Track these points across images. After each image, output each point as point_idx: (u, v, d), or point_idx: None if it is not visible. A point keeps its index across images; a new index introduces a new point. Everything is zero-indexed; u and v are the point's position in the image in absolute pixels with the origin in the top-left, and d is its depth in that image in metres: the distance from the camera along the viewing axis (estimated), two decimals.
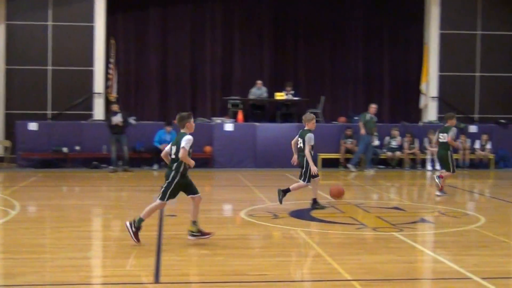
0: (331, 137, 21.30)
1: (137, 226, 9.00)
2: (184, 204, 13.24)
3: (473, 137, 21.77)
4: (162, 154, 9.42)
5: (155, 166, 20.11)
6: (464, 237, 10.10)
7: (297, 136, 12.45)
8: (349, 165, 20.53)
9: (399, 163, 21.28)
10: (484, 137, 21.62)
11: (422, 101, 23.57)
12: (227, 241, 9.44)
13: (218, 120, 21.45)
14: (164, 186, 9.10)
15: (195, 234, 9.18)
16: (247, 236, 10.11)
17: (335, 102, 23.59)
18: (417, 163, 21.17)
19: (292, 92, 22.21)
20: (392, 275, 7.65)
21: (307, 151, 11.99)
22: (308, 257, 8.56)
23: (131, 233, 8.98)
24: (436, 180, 14.67)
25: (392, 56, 23.93)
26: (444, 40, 23.24)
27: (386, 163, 21.32)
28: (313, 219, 11.48)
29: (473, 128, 22.04)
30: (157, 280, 7.37)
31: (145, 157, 20.48)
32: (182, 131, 9.37)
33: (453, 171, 14.67)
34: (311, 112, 13.20)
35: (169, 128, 20.10)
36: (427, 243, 9.88)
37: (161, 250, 8.75)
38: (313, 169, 11.86)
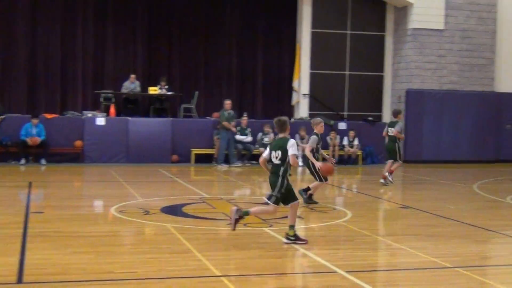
0: (205, 132, 21.34)
1: (240, 215, 9.07)
2: (52, 201, 12.88)
3: (342, 133, 22.45)
4: (261, 161, 9.46)
5: (22, 161, 19.36)
6: (331, 232, 10.40)
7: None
8: (216, 164, 20.56)
9: None
10: (352, 133, 22.35)
11: (294, 98, 24.05)
12: (96, 239, 9.24)
13: (89, 114, 20.93)
14: (274, 192, 9.10)
15: (291, 238, 9.12)
16: (117, 233, 9.94)
17: (209, 97, 23.61)
18: None
19: (166, 87, 22.03)
20: (260, 270, 7.74)
21: (307, 152, 12.32)
22: (178, 253, 8.51)
23: (233, 219, 9.04)
24: (389, 178, 16.28)
25: (266, 53, 24.24)
26: (316, 39, 23.80)
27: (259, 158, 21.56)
28: (185, 215, 11.45)
29: (342, 125, 22.73)
30: (20, 280, 7.10)
31: (12, 151, 19.67)
32: (282, 135, 9.26)
33: (400, 161, 16.39)
34: (318, 116, 13.71)
35: (35, 121, 19.44)
36: None
37: (25, 249, 8.43)
38: (317, 165, 12.07)
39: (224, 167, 20.19)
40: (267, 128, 21.55)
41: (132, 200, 13.00)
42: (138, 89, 22.11)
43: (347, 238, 9.93)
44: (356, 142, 22.34)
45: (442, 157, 22.87)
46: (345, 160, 22.19)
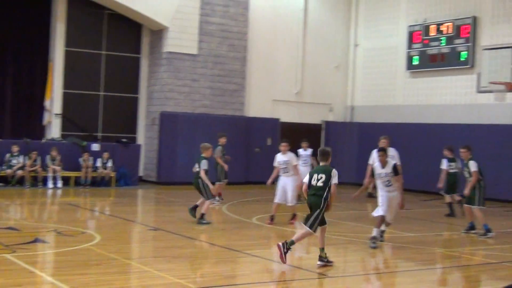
0: None
1: (288, 248, 9.62)
2: None
3: (96, 155, 22.06)
4: (304, 189, 10.09)
5: None
6: (77, 256, 10.11)
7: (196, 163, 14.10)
8: None
9: (20, 181, 20.59)
10: (106, 155, 22.07)
11: (46, 118, 23.19)
12: None
13: None
14: (314, 215, 9.70)
15: (324, 259, 9.81)
16: None
17: None
18: (39, 181, 20.74)
19: None
20: None
21: (202, 174, 13.85)
22: None
23: (282, 253, 9.58)
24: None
25: (16, 70, 23.13)
26: (69, 58, 23.21)
27: (6, 180, 20.48)
28: None
29: (95, 146, 22.35)
30: None
31: None
32: (323, 163, 10.16)
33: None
34: None
35: None
36: (39, 264, 9.66)
37: None
38: (211, 187, 13.99)
39: None
40: (15, 148, 20.52)
41: None
42: None
43: (94, 263, 9.73)
44: (109, 163, 22.07)
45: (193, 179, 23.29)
46: (98, 182, 21.81)
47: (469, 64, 22.18)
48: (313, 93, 26.50)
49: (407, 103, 24.68)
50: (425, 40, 23.76)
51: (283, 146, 14.51)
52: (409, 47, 24.39)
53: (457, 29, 22.63)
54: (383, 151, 12.09)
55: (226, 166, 18.12)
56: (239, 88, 24.69)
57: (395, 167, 11.88)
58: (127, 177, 22.50)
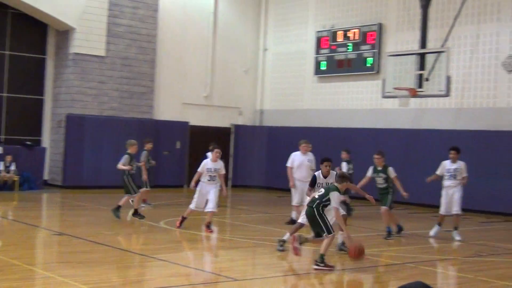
0: None
1: (321, 261, 10.11)
2: None
3: None
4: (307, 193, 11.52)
5: None
6: None
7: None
8: None
9: None
10: (8, 158, 21.37)
11: None
12: None
13: None
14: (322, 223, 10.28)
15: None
16: None
17: None
18: None
19: None
20: None
21: (119, 166, 14.99)
22: None
23: (324, 268, 10.07)
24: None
25: None
26: None
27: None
28: None
29: None
30: None
31: None
32: (335, 184, 10.50)
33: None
34: None
35: None
36: None
37: None
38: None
39: None
40: None
41: None
42: None
43: None
44: (13, 167, 21.38)
45: (102, 183, 22.91)
46: (0, 186, 21.08)
47: (374, 70, 22.75)
48: (223, 96, 26.53)
49: (315, 108, 25.06)
50: (333, 46, 24.20)
51: (217, 153, 14.12)
52: (317, 52, 24.78)
53: (364, 35, 23.17)
54: (328, 162, 12.00)
55: (145, 176, 17.50)
56: (147, 91, 24.43)
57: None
58: (31, 180, 21.86)
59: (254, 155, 26.20)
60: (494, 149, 19.45)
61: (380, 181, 14.01)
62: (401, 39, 22.17)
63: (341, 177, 10.60)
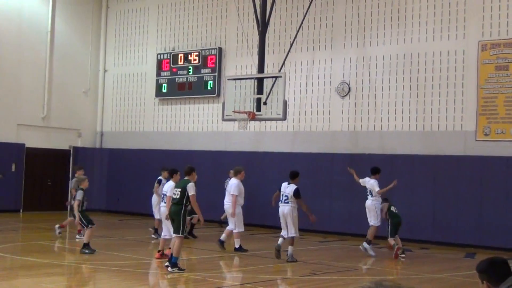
0: None
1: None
2: None
3: None
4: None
5: None
6: None
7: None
8: None
9: None
10: None
11: None
12: None
13: None
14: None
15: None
16: None
17: None
18: None
19: None
20: None
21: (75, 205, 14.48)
22: None
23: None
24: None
25: None
26: None
27: None
28: None
29: None
30: None
31: None
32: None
33: None
34: None
35: None
36: None
37: None
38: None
39: None
40: None
41: None
42: None
43: None
44: None
45: None
46: None
47: (215, 93, 23.09)
48: (61, 117, 25.78)
49: (157, 130, 24.99)
50: (174, 69, 24.31)
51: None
52: (158, 74, 24.78)
53: (204, 59, 23.47)
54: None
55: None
56: None
57: None
58: None
59: (94, 178, 25.59)
60: (328, 171, 20.31)
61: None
62: (240, 63, 22.68)
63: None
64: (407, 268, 14.06)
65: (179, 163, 22.31)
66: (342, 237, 19.35)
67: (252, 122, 19.86)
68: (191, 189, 11.98)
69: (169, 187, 13.74)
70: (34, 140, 24.94)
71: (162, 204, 14.34)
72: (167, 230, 13.66)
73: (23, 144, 24.52)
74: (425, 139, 18.84)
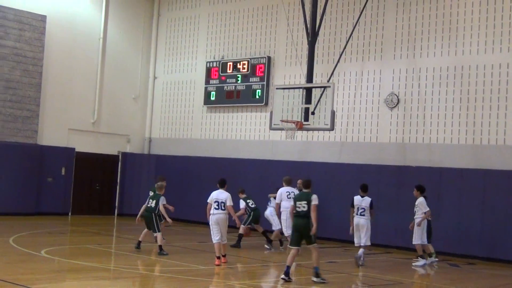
0: None
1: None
2: None
3: None
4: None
5: None
6: None
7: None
8: None
9: None
10: None
11: None
12: None
13: None
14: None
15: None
16: None
17: None
18: None
19: None
20: None
21: None
22: None
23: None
24: None
25: None
26: None
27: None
28: None
29: None
30: None
31: None
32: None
33: None
34: None
35: None
36: None
37: None
38: None
39: None
40: None
41: None
42: None
43: None
44: None
45: None
46: None
47: (263, 101, 23.14)
48: (111, 123, 26.17)
49: (204, 137, 25.16)
50: (222, 77, 24.45)
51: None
52: (207, 82, 24.95)
53: (253, 67, 23.55)
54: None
55: None
56: (32, 115, 23.70)
57: None
58: None
59: (141, 184, 25.88)
60: (375, 182, 20.09)
61: None
62: (288, 72, 22.69)
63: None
64: (453, 283, 13.83)
65: (226, 170, 22.48)
66: (388, 250, 19.14)
67: (300, 132, 19.84)
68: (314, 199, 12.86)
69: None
70: (84, 145, 25.34)
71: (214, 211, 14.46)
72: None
73: (73, 149, 24.92)
74: (474, 152, 18.55)
